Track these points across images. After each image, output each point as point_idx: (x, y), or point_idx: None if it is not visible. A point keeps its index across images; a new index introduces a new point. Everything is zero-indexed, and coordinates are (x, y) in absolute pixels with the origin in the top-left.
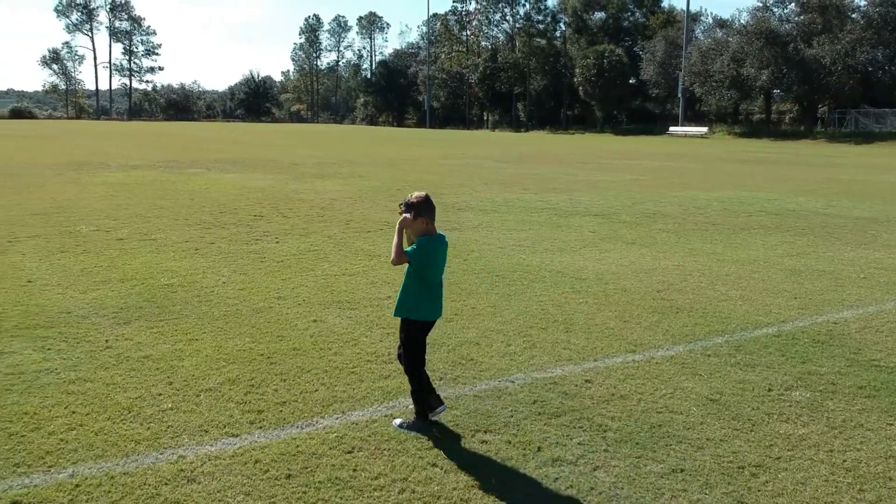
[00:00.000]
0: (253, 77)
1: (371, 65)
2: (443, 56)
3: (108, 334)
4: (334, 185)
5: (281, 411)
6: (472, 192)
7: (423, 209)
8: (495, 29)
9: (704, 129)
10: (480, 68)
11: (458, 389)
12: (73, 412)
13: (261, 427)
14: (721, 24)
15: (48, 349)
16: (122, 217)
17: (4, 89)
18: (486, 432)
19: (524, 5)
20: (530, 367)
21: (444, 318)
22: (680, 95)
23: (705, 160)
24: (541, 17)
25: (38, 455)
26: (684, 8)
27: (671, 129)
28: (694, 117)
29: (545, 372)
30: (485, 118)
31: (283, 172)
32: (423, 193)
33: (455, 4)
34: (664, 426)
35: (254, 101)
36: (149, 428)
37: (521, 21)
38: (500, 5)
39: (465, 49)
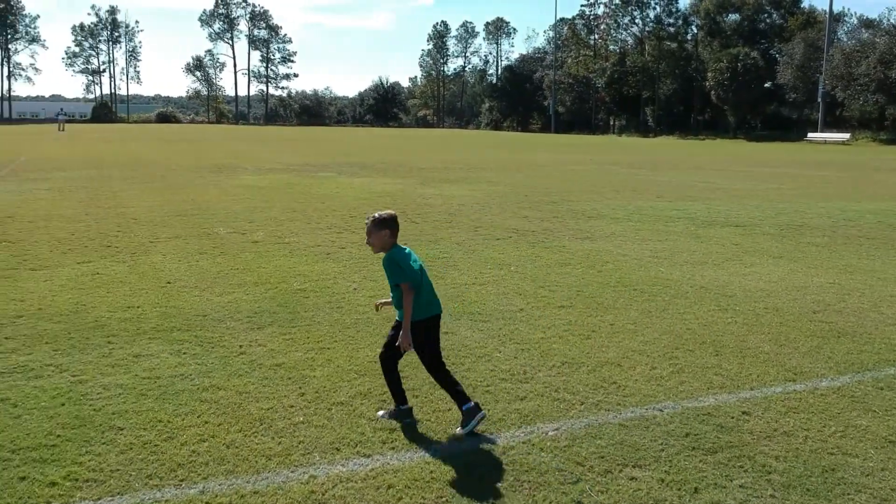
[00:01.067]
0: (382, 83)
1: (497, 70)
2: (569, 60)
3: (241, 339)
4: (461, 190)
5: (413, 431)
6: (602, 200)
7: (391, 224)
8: (624, 32)
9: (846, 136)
10: (608, 72)
11: (601, 416)
12: (206, 422)
13: (393, 448)
14: (868, 24)
15: (184, 353)
16: (257, 220)
17: (152, 94)
18: (634, 467)
19: (654, 8)
20: (679, 394)
21: (582, 334)
22: (820, 100)
23: (851, 168)
24: (671, 20)
25: (171, 467)
26: (826, 9)
27: (809, 135)
28: (834, 123)
29: (696, 400)
30: (611, 123)
31: (410, 177)
32: (391, 211)
33: (583, 8)
34: (838, 470)
35: (382, 106)
36: (280, 442)
37: (651, 24)
38: (629, 8)
39: (592, 53)
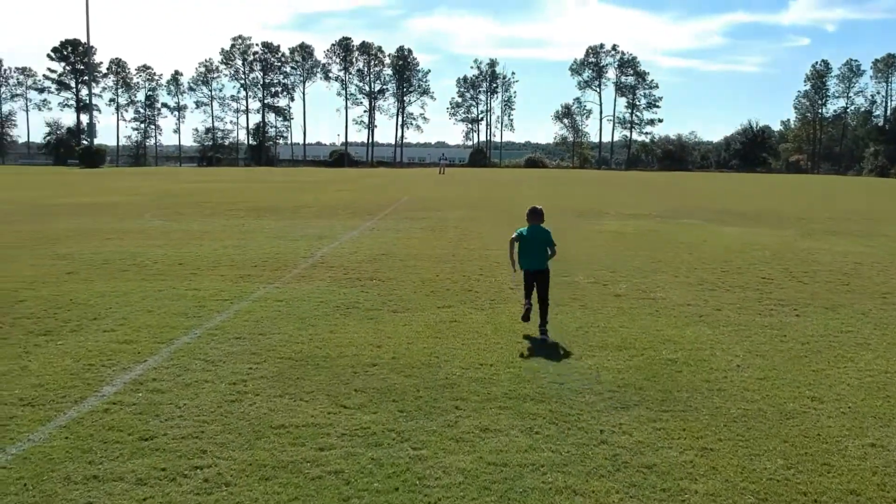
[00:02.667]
0: (751, 127)
1: (885, 111)
2: None
3: (602, 421)
4: (853, 246)
5: None
6: None
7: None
8: None
9: None
10: None
11: None
12: None
13: None
14: None
15: (536, 433)
16: (619, 269)
17: (522, 141)
18: None
19: None
20: None
21: None
22: None
23: None
24: None
25: None
26: None
27: None
28: None
29: None
30: None
31: (788, 227)
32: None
33: None
34: None
35: (749, 151)
36: None
37: None
38: None
39: None
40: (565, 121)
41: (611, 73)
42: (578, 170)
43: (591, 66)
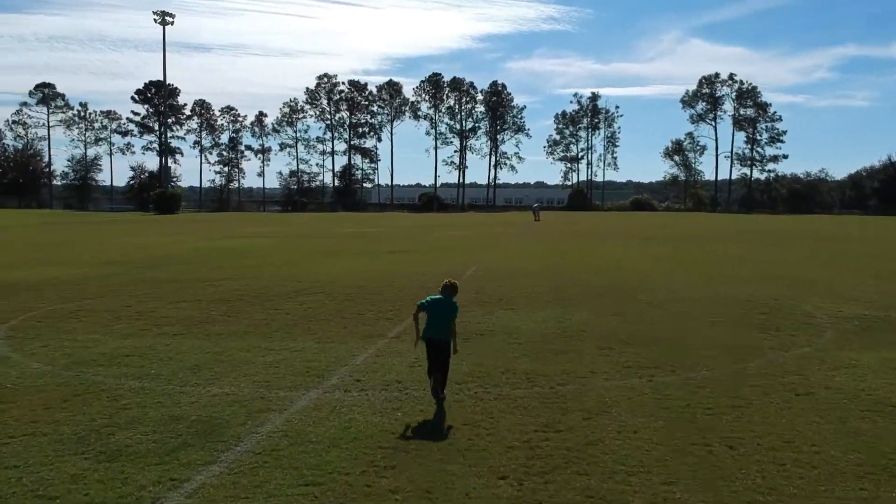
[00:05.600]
0: (891, 162)
1: None
2: None
3: None
4: None
5: None
6: None
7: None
8: None
9: None
10: None
11: None
12: None
13: None
14: None
15: None
16: None
17: (623, 180)
18: None
19: None
20: None
21: None
22: None
23: None
24: None
25: None
26: None
27: None
28: None
29: None
30: None
31: None
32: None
33: None
34: None
35: (890, 188)
36: None
37: None
38: None
39: None
40: (676, 158)
41: (727, 106)
42: (692, 213)
43: (705, 98)
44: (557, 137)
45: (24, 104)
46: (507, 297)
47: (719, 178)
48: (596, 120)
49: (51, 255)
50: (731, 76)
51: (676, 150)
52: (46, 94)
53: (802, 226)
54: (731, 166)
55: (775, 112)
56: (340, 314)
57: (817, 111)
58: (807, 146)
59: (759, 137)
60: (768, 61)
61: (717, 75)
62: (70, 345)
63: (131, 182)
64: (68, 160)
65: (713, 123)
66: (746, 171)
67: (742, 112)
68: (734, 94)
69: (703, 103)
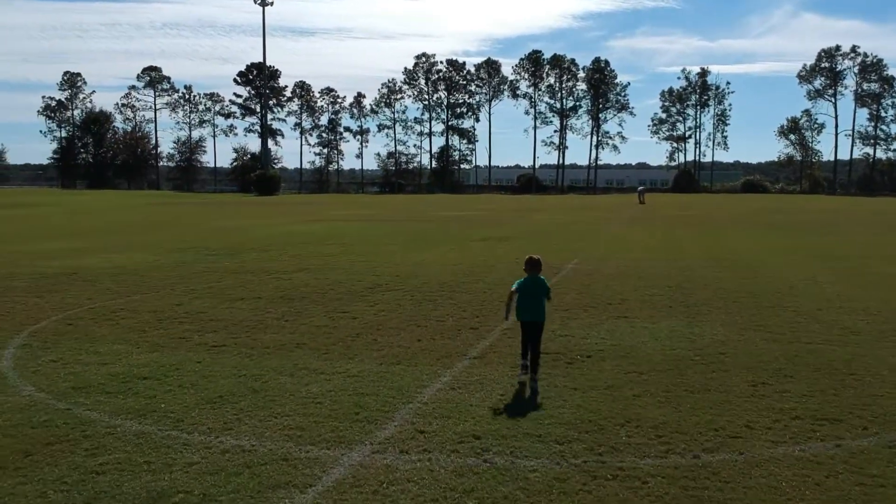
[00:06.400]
0: None
1: None
2: None
3: None
4: None
5: None
6: None
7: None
8: None
9: None
10: None
11: None
12: None
13: None
14: None
15: None
16: None
17: (731, 161)
18: None
19: None
20: None
21: None
22: None
23: None
24: None
25: None
26: None
27: None
28: None
29: None
30: None
31: None
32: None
33: None
34: None
35: None
36: None
37: None
38: None
39: None
40: (792, 136)
41: (849, 81)
42: (811, 195)
43: (824, 73)
44: (663, 116)
45: (133, 87)
46: (617, 301)
47: (838, 158)
48: (705, 97)
49: (133, 240)
50: (853, 48)
51: (793, 129)
52: (153, 78)
53: None
54: (853, 145)
55: None
56: (415, 321)
57: None
58: None
59: (883, 114)
60: (889, 35)
61: (837, 48)
62: (85, 359)
63: (234, 163)
64: (174, 142)
65: (833, 100)
66: (869, 150)
67: (865, 87)
68: (857, 67)
69: (822, 78)
